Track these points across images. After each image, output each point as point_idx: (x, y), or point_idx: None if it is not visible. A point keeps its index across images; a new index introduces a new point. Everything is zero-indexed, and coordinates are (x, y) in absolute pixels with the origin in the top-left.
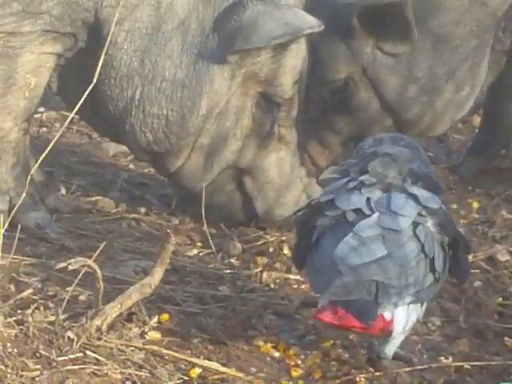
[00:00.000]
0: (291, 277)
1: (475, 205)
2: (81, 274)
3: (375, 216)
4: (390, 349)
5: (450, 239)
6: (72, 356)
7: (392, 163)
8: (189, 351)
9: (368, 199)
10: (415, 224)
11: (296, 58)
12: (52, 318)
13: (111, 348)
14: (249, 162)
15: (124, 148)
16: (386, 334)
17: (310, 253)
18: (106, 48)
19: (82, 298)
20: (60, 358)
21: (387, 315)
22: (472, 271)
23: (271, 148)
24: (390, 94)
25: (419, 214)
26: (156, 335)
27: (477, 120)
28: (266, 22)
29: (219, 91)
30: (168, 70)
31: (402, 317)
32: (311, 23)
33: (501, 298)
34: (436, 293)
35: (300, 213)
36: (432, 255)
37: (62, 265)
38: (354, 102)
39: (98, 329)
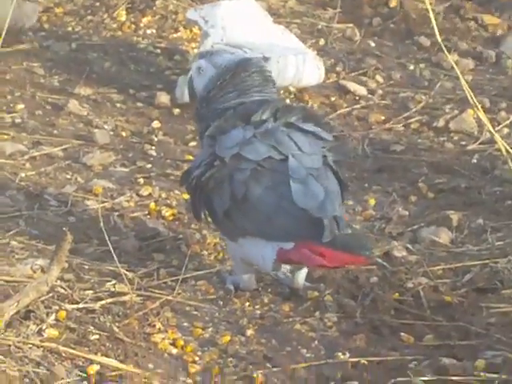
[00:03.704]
0: (188, 275)
1: (371, 201)
2: None
3: (292, 158)
4: (303, 277)
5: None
6: None
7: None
8: (86, 348)
9: (274, 147)
10: (324, 158)
11: None
12: None
13: (8, 345)
14: None
15: (21, 147)
16: None
17: (238, 208)
18: None
19: None
20: None
21: None
22: (368, 267)
23: None
24: None
25: (323, 148)
26: (53, 332)
27: (372, 118)
28: None
29: None
30: None
31: None
32: None
33: (397, 294)
34: None
35: (198, 172)
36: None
37: None
38: None
39: None
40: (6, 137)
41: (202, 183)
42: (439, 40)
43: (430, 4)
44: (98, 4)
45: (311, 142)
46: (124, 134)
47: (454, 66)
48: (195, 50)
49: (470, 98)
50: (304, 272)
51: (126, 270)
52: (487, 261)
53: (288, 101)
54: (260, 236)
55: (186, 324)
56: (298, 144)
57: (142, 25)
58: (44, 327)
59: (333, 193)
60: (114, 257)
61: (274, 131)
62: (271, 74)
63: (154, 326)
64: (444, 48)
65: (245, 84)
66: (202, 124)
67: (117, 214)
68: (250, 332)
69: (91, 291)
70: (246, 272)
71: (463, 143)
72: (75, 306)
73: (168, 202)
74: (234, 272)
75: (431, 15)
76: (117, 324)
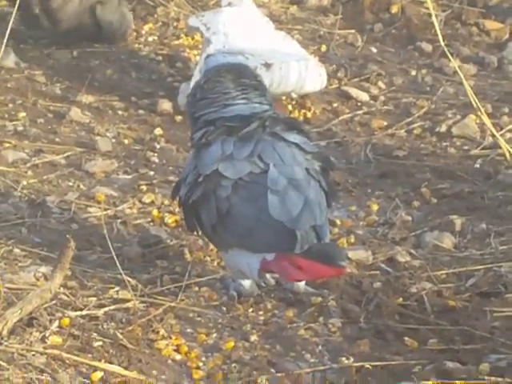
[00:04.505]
0: (191, 281)
1: (374, 207)
2: None
3: (273, 169)
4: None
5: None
6: None
7: (251, 116)
8: (90, 355)
9: (254, 160)
10: (307, 169)
11: None
12: None
13: (12, 353)
14: None
15: (23, 155)
16: None
17: (223, 222)
18: None
19: None
20: None
21: None
22: (372, 272)
23: None
24: None
25: (306, 159)
26: (57, 339)
27: (375, 123)
28: None
29: None
30: None
31: None
32: None
33: (401, 299)
34: None
35: (185, 190)
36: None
37: None
38: None
39: None
40: (8, 145)
41: (190, 201)
42: (443, 45)
43: (432, 9)
44: None
45: (294, 152)
46: (126, 141)
47: (458, 70)
48: (197, 57)
49: (474, 102)
50: None
51: (129, 277)
52: (491, 265)
53: (290, 107)
54: (244, 248)
55: (189, 330)
56: (281, 155)
57: (143, 32)
58: (47, 334)
59: (314, 203)
60: (117, 264)
61: (258, 142)
62: (255, 80)
63: (158, 332)
64: (448, 53)
65: (215, 90)
66: (192, 129)
67: (119, 221)
68: (253, 338)
69: (94, 298)
70: (243, 278)
71: (466, 148)
72: (78, 313)
73: (171, 208)
74: (235, 278)
75: (434, 20)
76: (120, 331)
